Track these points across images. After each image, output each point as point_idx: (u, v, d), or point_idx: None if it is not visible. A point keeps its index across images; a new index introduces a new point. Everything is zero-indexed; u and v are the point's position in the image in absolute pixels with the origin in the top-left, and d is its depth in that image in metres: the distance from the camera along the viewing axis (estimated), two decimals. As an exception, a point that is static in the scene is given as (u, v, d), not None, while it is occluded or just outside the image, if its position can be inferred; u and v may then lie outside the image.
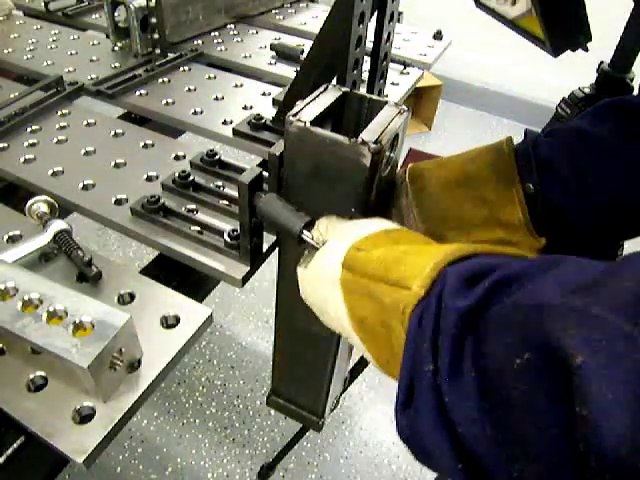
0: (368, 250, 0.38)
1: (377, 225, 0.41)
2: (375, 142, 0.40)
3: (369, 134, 0.41)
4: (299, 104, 0.45)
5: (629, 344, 0.20)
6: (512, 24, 0.75)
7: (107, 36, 1.09)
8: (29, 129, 0.80)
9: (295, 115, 0.43)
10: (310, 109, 0.44)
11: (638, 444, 0.19)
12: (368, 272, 0.36)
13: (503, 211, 0.47)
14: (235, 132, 0.80)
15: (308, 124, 0.42)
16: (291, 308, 0.59)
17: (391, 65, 0.96)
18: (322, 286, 0.41)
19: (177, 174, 0.67)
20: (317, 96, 0.47)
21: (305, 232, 0.44)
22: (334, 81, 0.70)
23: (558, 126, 0.50)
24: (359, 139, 0.40)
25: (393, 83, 1.00)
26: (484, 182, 0.48)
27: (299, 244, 0.44)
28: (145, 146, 0.78)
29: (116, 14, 1.00)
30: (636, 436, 0.19)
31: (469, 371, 0.26)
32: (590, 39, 0.70)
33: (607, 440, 0.19)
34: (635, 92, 0.94)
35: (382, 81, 0.86)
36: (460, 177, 0.49)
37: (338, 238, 0.41)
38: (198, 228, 0.62)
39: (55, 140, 0.78)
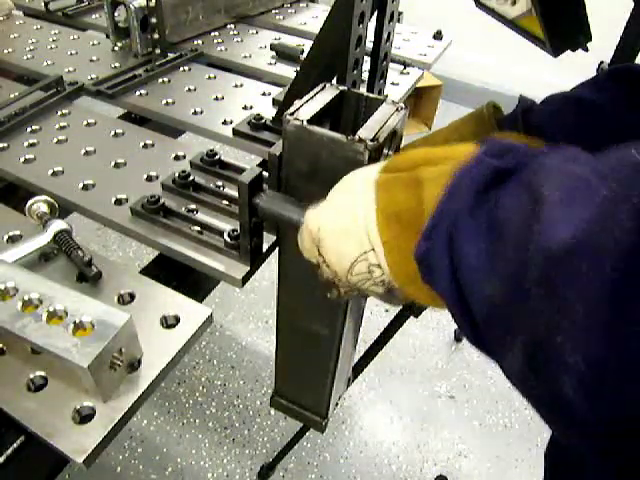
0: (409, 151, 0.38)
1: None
2: (372, 139, 0.40)
3: (366, 132, 0.41)
4: (297, 103, 0.45)
5: (588, 187, 0.25)
6: (512, 24, 0.74)
7: (107, 36, 1.09)
8: (29, 129, 0.80)
9: (292, 114, 0.43)
10: (307, 108, 0.44)
11: (568, 248, 0.24)
12: (415, 160, 0.36)
13: None
14: (235, 132, 0.80)
15: (305, 123, 0.42)
16: (292, 307, 0.59)
17: (391, 65, 0.96)
18: (348, 199, 0.38)
19: (177, 174, 0.67)
20: (315, 95, 0.47)
21: None
22: (334, 81, 0.70)
23: (555, 94, 0.49)
24: (356, 137, 0.40)
25: (393, 83, 1.00)
26: None
27: None
28: (145, 146, 0.78)
29: (116, 14, 1.00)
30: (567, 241, 0.24)
31: (483, 215, 0.30)
32: (590, 39, 0.70)
33: (550, 239, 0.25)
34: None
35: (382, 81, 0.87)
36: None
37: (354, 172, 0.40)
38: (198, 228, 0.62)
39: (55, 140, 0.78)
